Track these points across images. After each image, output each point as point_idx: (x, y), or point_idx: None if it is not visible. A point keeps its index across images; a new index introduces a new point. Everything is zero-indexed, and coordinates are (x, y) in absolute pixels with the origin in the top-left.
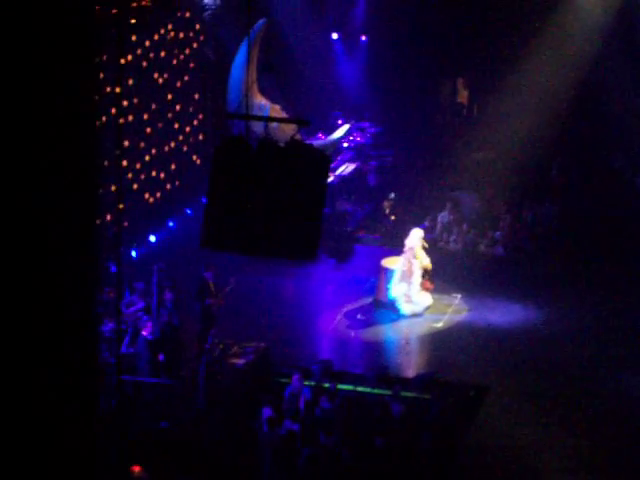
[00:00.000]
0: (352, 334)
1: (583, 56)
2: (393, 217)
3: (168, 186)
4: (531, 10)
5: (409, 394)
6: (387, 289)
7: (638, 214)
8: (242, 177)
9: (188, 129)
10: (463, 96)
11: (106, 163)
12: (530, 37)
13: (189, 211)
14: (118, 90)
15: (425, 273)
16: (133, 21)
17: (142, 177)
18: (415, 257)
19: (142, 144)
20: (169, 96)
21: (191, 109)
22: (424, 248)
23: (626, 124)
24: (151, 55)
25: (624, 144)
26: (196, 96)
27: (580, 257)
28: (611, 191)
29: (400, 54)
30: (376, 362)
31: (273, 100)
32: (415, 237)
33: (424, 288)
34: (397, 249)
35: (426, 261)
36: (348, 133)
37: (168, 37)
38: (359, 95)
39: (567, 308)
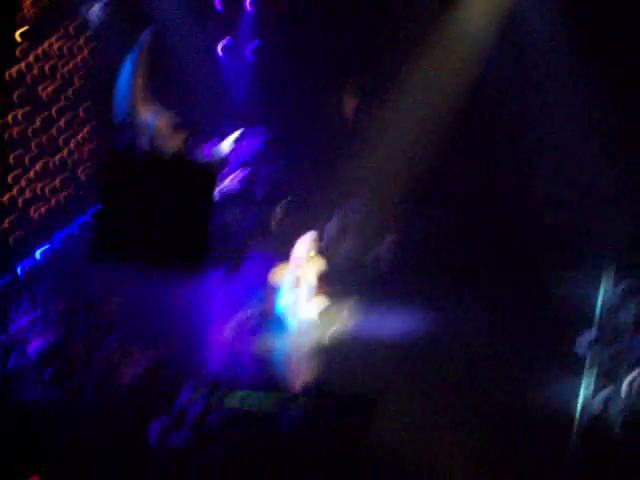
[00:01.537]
0: (241, 345)
1: (470, 62)
2: (280, 226)
3: (56, 199)
4: (416, 18)
5: (299, 405)
6: (275, 299)
7: (529, 222)
8: (130, 189)
9: (77, 140)
10: (352, 102)
11: None
12: (417, 44)
13: (79, 223)
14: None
15: (317, 283)
16: (19, 31)
17: (30, 189)
18: (304, 265)
19: (27, 159)
20: (57, 106)
21: (80, 120)
22: (314, 256)
23: (515, 130)
24: (37, 66)
25: (513, 151)
26: (83, 108)
27: (472, 263)
28: (500, 199)
29: (289, 61)
30: (265, 374)
31: (162, 111)
32: (304, 245)
33: (314, 297)
34: (285, 258)
35: (317, 267)
36: (237, 141)
37: (53, 50)
38: (249, 104)
39: (454, 314)
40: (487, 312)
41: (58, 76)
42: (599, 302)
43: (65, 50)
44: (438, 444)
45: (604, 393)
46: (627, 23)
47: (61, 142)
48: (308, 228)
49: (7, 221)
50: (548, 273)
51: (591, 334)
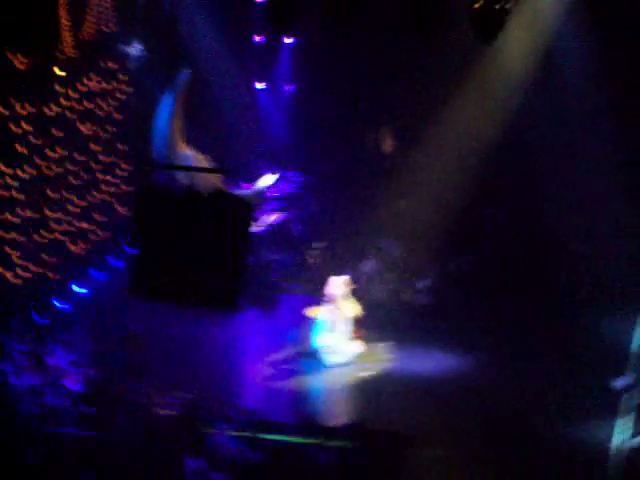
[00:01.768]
0: (277, 383)
1: (506, 106)
2: (316, 266)
3: (95, 237)
4: (454, 61)
5: (336, 443)
6: (312, 338)
7: (564, 264)
8: (166, 227)
9: (115, 180)
10: (388, 146)
11: (30, 214)
12: (454, 87)
13: (116, 262)
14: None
15: (353, 322)
16: (58, 72)
17: (69, 228)
18: (339, 306)
19: (66, 194)
20: (95, 147)
21: (117, 160)
22: (350, 296)
23: (550, 173)
24: (77, 106)
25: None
26: (122, 147)
27: (507, 305)
28: (535, 240)
29: (326, 103)
30: (302, 411)
31: (199, 150)
32: (339, 285)
33: (350, 337)
34: (321, 298)
35: (353, 309)
36: (273, 183)
37: (92, 88)
38: (285, 145)
39: (493, 357)
40: (524, 353)
41: (97, 116)
42: (634, 345)
43: (103, 89)
44: None
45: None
46: None
47: (100, 180)
48: (344, 268)
49: (47, 259)
50: (585, 315)
51: (626, 377)
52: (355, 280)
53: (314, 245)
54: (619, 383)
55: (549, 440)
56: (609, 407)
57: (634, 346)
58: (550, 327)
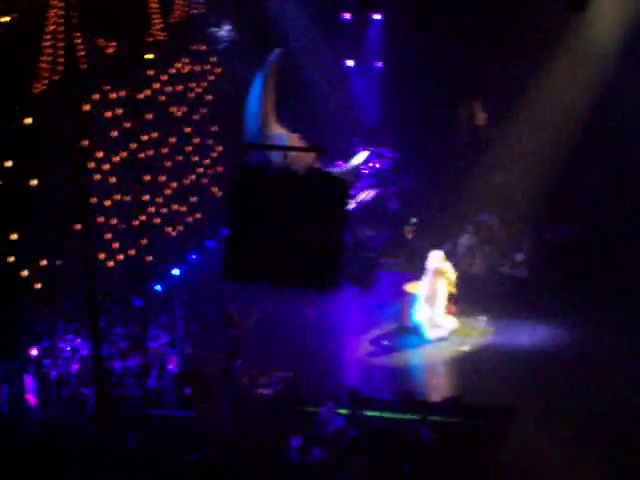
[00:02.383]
0: (377, 359)
1: (598, 77)
2: (413, 242)
3: (189, 219)
4: (546, 32)
5: (437, 418)
6: (411, 314)
7: None
8: (261, 207)
9: (207, 161)
10: (480, 119)
11: (128, 198)
12: (545, 58)
13: (211, 243)
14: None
15: (450, 296)
16: (150, 56)
17: (163, 211)
18: (438, 280)
19: (162, 178)
20: (187, 129)
21: (210, 141)
22: (448, 270)
23: None
24: (168, 89)
25: None
26: (214, 128)
27: (604, 278)
28: (634, 210)
29: (416, 79)
30: (403, 387)
31: (292, 129)
32: (436, 259)
33: (449, 312)
34: (419, 273)
35: (451, 283)
36: (367, 160)
37: (184, 71)
38: (377, 121)
39: (592, 329)
40: (624, 328)
41: (189, 98)
42: None
43: (194, 71)
44: (571, 459)
45: None
46: None
47: (193, 163)
48: (441, 242)
49: (143, 242)
50: None
51: None
52: (453, 254)
53: (410, 221)
54: None
55: None
56: None
57: None
58: None
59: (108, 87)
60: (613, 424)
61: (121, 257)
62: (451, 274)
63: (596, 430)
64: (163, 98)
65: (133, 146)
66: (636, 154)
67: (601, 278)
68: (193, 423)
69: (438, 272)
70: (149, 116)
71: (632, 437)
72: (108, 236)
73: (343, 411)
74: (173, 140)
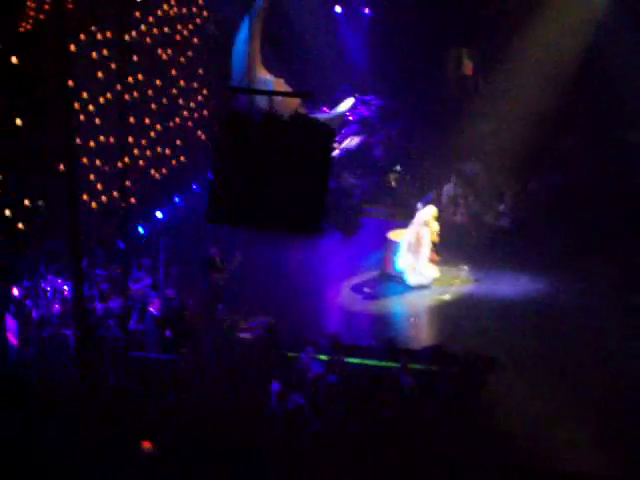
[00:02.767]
0: (359, 306)
1: (586, 25)
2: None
3: (174, 162)
4: None
5: (417, 366)
6: (394, 261)
7: None
8: (247, 152)
9: (193, 105)
10: (468, 68)
11: (113, 140)
12: (533, 6)
13: (195, 187)
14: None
15: (433, 245)
16: None
17: (148, 153)
18: (421, 229)
19: (147, 120)
20: (173, 72)
21: (195, 85)
22: (432, 218)
23: (631, 92)
24: (155, 31)
25: (631, 113)
26: (200, 72)
27: (586, 228)
28: (617, 162)
29: (403, 27)
30: (383, 335)
31: (277, 74)
32: (426, 211)
33: (431, 260)
34: (403, 221)
35: (434, 232)
36: (353, 106)
37: (171, 13)
38: (364, 68)
39: (573, 279)
40: (605, 278)
41: (175, 41)
42: None
43: (181, 16)
44: (550, 407)
45: None
46: None
47: (178, 106)
48: (425, 191)
49: (127, 183)
50: None
51: None
52: (437, 203)
53: (395, 169)
54: None
55: (631, 359)
56: None
57: None
58: (633, 250)
59: (95, 28)
60: (594, 374)
61: (104, 199)
62: (435, 223)
63: (576, 380)
64: (150, 40)
65: (118, 88)
66: (623, 106)
67: (584, 229)
68: (173, 366)
69: (422, 221)
70: (135, 58)
71: (613, 386)
72: (92, 177)
73: (323, 357)
74: (159, 83)
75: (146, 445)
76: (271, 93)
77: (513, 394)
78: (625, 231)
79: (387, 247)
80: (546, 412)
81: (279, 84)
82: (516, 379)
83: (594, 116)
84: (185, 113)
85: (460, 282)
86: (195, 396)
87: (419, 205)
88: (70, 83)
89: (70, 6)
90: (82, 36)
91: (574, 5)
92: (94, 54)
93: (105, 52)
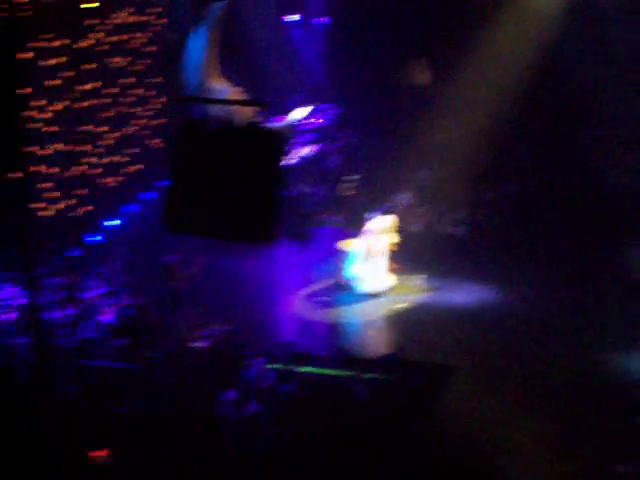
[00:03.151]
0: (313, 315)
1: (544, 35)
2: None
3: (129, 170)
4: None
5: (372, 375)
6: (348, 270)
7: (599, 192)
8: (202, 161)
9: (149, 113)
10: (423, 77)
11: (69, 148)
12: (490, 16)
13: (151, 195)
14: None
15: (389, 254)
16: (91, 5)
17: (103, 161)
18: (374, 238)
19: (103, 128)
20: (128, 80)
21: (152, 93)
22: (386, 227)
23: (588, 101)
24: (109, 39)
25: (587, 122)
26: (156, 80)
27: (542, 236)
28: (572, 170)
29: (360, 35)
30: (338, 344)
31: (233, 83)
32: (380, 219)
33: (387, 269)
34: (358, 230)
35: (388, 241)
36: (308, 115)
37: (126, 21)
38: (320, 77)
39: (530, 288)
40: (559, 284)
41: (131, 49)
42: None
43: (138, 23)
44: (509, 415)
45: None
46: None
47: (134, 114)
48: (380, 200)
49: (80, 193)
50: (619, 246)
51: None
52: (392, 210)
53: (349, 178)
54: None
55: (591, 367)
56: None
57: None
58: (587, 258)
59: (50, 35)
60: (549, 381)
61: (60, 207)
62: (390, 232)
63: (532, 386)
64: (105, 47)
65: (74, 95)
66: (579, 113)
67: (540, 237)
68: (128, 374)
69: (377, 229)
70: (91, 65)
71: (568, 393)
72: (47, 185)
73: (277, 366)
74: (115, 90)
75: (101, 454)
76: (226, 102)
77: (471, 401)
78: (581, 237)
79: (342, 256)
80: (504, 418)
81: (235, 93)
82: (474, 386)
83: (547, 123)
84: (140, 121)
85: (416, 291)
86: (150, 404)
87: (371, 214)
88: (25, 91)
89: (22, 14)
90: (37, 43)
91: (527, 16)
92: (50, 61)
93: (61, 59)
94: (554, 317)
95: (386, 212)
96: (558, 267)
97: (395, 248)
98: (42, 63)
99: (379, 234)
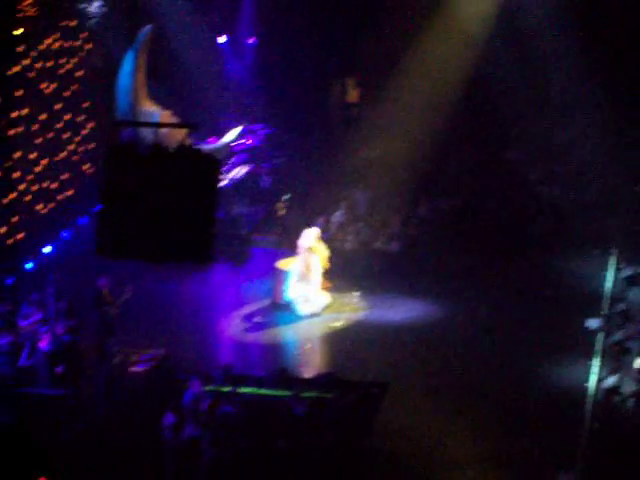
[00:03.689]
0: (251, 336)
1: (470, 52)
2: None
3: (61, 196)
4: (417, 8)
5: (310, 394)
6: (284, 290)
7: (530, 207)
8: (133, 184)
9: (79, 138)
10: (353, 95)
11: None
12: (418, 34)
13: (83, 220)
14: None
15: (323, 273)
16: (19, 31)
17: (34, 188)
18: (310, 257)
19: (33, 155)
20: (58, 105)
21: (81, 118)
22: (321, 246)
23: (516, 116)
24: (38, 65)
25: (517, 137)
26: (85, 105)
27: (476, 252)
28: (504, 185)
29: (289, 55)
30: (276, 364)
31: (163, 106)
32: (310, 237)
33: (322, 288)
34: (293, 250)
35: (323, 260)
36: (239, 136)
37: (55, 46)
38: (250, 98)
39: (464, 302)
40: (495, 300)
41: (59, 75)
42: (607, 287)
43: (65, 49)
44: (445, 431)
45: (614, 377)
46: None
47: (64, 140)
48: (314, 219)
49: (12, 220)
50: (557, 258)
51: (598, 320)
52: (326, 230)
53: (283, 197)
54: (593, 324)
55: (526, 382)
56: (584, 348)
57: (606, 288)
58: (523, 271)
59: None
60: (486, 394)
61: None
62: (324, 250)
63: (469, 400)
64: (33, 74)
65: (3, 122)
66: (509, 129)
67: (473, 253)
68: (66, 401)
69: (311, 249)
70: (19, 92)
71: (504, 405)
72: None
73: (216, 388)
74: (44, 117)
75: None
76: (156, 125)
77: (407, 418)
78: (514, 249)
79: (277, 276)
80: (440, 434)
81: (165, 116)
82: (410, 403)
83: (477, 140)
84: (71, 147)
85: (351, 309)
86: (89, 431)
87: (305, 233)
88: None
89: None
90: None
91: (455, 34)
92: None
93: None
94: (489, 334)
95: (320, 230)
96: (492, 283)
97: (328, 266)
98: None
99: (313, 253)
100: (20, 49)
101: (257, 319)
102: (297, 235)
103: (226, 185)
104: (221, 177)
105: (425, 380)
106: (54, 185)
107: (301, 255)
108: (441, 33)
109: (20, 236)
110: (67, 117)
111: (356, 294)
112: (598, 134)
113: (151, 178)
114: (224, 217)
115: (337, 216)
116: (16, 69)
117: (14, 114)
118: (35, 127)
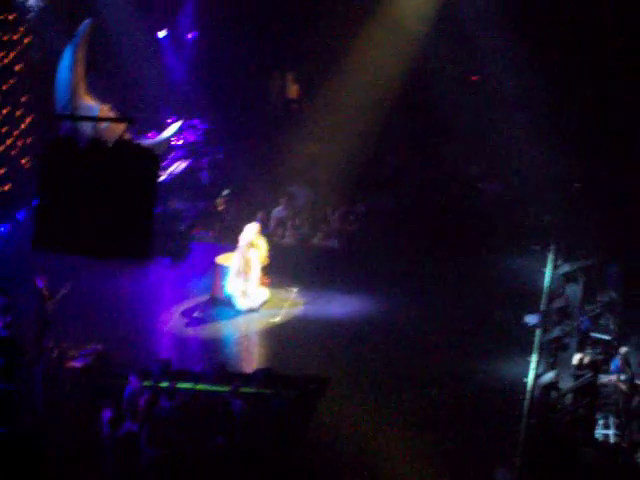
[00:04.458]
0: (189, 331)
1: (409, 48)
2: (225, 213)
3: None
4: (357, 3)
5: (249, 390)
6: (223, 286)
7: (470, 203)
8: (72, 178)
9: (16, 132)
10: (293, 90)
11: None
12: (358, 30)
13: (20, 215)
14: None
15: (262, 268)
16: None
17: None
18: (249, 252)
19: None
20: None
21: (19, 112)
22: (261, 241)
23: (455, 113)
24: None
25: (456, 134)
26: (23, 99)
27: (414, 247)
28: (445, 182)
29: (229, 50)
30: (214, 359)
31: (102, 100)
32: (250, 232)
33: (261, 283)
34: (232, 245)
35: (262, 255)
36: (179, 131)
37: None
38: (189, 92)
39: (402, 298)
40: (433, 296)
41: None
42: (544, 286)
43: (3, 42)
44: (384, 426)
45: (551, 373)
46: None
47: (2, 134)
48: (254, 214)
49: None
50: (497, 254)
51: (538, 315)
52: (265, 226)
53: (223, 193)
54: (532, 320)
55: (465, 377)
56: (523, 344)
57: (545, 284)
58: (462, 266)
59: None
60: (424, 390)
61: None
62: (263, 246)
63: (407, 396)
64: None
65: None
66: (449, 126)
67: (412, 248)
68: (3, 396)
69: (251, 244)
70: None
71: (443, 401)
72: None
73: (154, 383)
74: None
75: None
76: (94, 119)
77: (346, 413)
78: (453, 245)
79: (216, 271)
80: (378, 429)
81: (104, 110)
82: (349, 399)
83: (416, 136)
84: (8, 141)
85: (290, 304)
86: (25, 426)
87: (244, 229)
88: None
89: None
90: None
91: (396, 30)
92: None
93: None
94: (427, 328)
95: (259, 225)
96: (430, 278)
97: (267, 261)
98: None
99: (252, 248)
100: None
101: (196, 314)
102: (237, 230)
103: (165, 180)
104: (160, 172)
105: (364, 375)
106: None
107: (240, 250)
108: (380, 29)
109: None
110: (5, 111)
111: (294, 289)
112: (538, 130)
113: (89, 172)
114: (163, 212)
115: (277, 212)
116: None
117: None
118: None
